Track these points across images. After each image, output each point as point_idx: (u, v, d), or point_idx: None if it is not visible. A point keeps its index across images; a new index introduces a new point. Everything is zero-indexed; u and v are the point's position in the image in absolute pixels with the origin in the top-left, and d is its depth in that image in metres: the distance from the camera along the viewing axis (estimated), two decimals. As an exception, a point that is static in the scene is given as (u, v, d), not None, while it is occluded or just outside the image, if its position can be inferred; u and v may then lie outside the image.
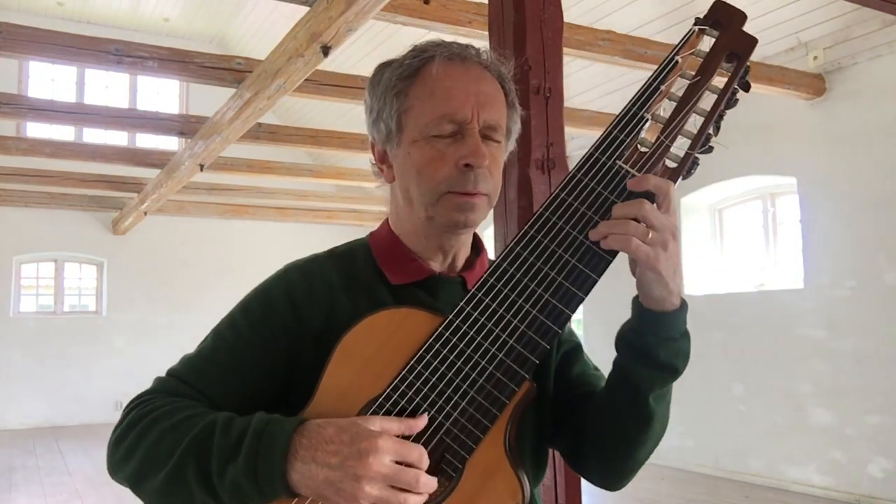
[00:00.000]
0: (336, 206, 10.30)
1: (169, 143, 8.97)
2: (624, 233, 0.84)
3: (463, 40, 1.11)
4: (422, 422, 0.84)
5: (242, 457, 0.80)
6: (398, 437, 0.82)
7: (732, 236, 6.64)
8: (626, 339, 0.93)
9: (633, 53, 4.53)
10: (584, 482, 2.20)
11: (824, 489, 5.38)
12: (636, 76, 6.03)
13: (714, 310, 6.14)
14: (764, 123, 5.69)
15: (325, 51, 3.58)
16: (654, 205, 0.85)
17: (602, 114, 6.19)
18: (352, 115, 8.50)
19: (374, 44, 7.17)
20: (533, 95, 2.21)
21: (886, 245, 5.06)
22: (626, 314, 0.94)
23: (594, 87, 6.65)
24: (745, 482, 5.89)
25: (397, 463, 0.78)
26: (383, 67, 1.02)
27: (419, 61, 0.98)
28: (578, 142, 7.12)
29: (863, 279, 5.19)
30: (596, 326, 6.99)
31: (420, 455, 0.80)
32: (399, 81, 0.98)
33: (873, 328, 5.12)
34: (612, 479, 1.04)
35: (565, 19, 2.44)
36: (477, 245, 1.09)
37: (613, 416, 0.97)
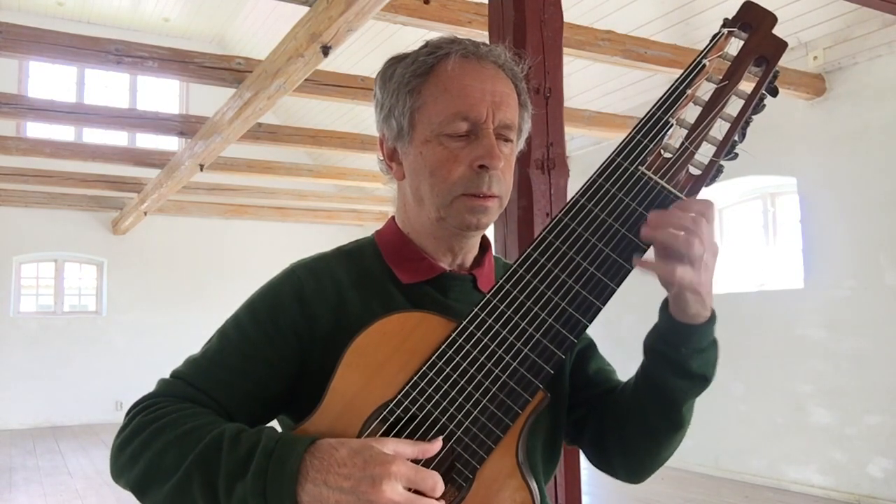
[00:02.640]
0: (336, 206, 10.30)
1: (169, 143, 8.97)
2: (687, 252, 0.81)
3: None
4: (436, 446, 0.82)
5: (251, 476, 0.78)
6: (411, 460, 0.80)
7: (732, 236, 6.64)
8: (659, 351, 0.91)
9: (633, 53, 4.53)
10: (582, 482, 2.20)
11: (824, 489, 5.38)
12: (636, 76, 6.03)
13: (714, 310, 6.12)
14: (764, 123, 5.65)
15: (325, 51, 3.58)
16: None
17: (602, 114, 6.19)
18: (352, 115, 8.51)
19: (374, 44, 7.17)
20: (533, 95, 2.21)
21: (886, 245, 5.06)
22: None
23: (594, 87, 6.65)
24: (745, 482, 5.89)
25: (410, 490, 0.76)
26: (395, 62, 1.00)
27: (434, 58, 0.96)
28: (578, 142, 7.12)
29: (863, 279, 5.19)
30: (596, 326, 6.98)
31: (434, 484, 0.77)
32: (413, 78, 0.96)
33: (873, 328, 5.11)
34: (639, 474, 1.04)
35: (565, 19, 2.44)
36: (483, 242, 1.08)
37: (644, 423, 0.96)
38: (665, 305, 0.90)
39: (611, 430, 1.01)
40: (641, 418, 0.96)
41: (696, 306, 0.86)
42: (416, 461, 0.81)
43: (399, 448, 0.79)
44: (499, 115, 0.95)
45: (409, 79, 0.96)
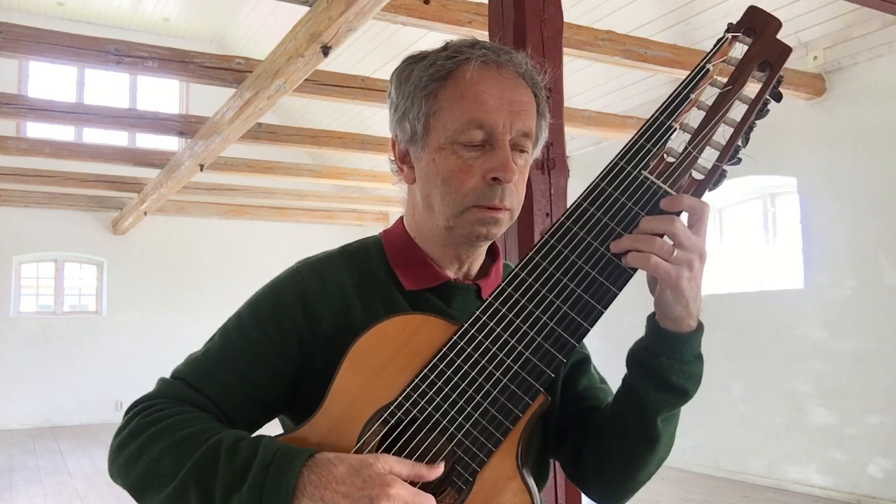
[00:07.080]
0: (336, 206, 10.31)
1: (169, 143, 8.97)
2: (648, 250, 0.81)
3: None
4: (436, 472, 0.81)
5: (247, 488, 0.78)
6: (406, 481, 0.80)
7: (732, 236, 6.64)
8: (639, 359, 0.90)
9: (633, 53, 4.53)
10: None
11: (824, 489, 5.38)
12: (636, 76, 6.03)
13: (714, 310, 6.13)
14: (764, 123, 5.57)
15: (325, 51, 3.58)
16: (686, 223, 0.83)
17: (602, 114, 6.19)
18: (352, 115, 8.51)
19: (374, 44, 7.16)
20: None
21: (886, 245, 5.06)
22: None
23: (594, 87, 6.65)
24: (745, 482, 5.89)
25: None
26: (412, 63, 0.97)
27: (453, 63, 0.93)
28: (578, 142, 7.12)
29: (863, 279, 5.19)
30: (597, 327, 6.99)
31: None
32: (430, 82, 0.94)
33: (873, 328, 5.12)
34: (611, 496, 1.01)
35: (565, 19, 2.44)
36: (493, 251, 1.06)
37: (619, 434, 0.95)
38: (653, 314, 0.89)
39: (588, 445, 0.99)
40: (618, 430, 0.95)
41: (678, 308, 0.85)
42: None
43: (396, 467, 0.79)
44: (516, 124, 0.93)
45: (426, 82, 0.94)
